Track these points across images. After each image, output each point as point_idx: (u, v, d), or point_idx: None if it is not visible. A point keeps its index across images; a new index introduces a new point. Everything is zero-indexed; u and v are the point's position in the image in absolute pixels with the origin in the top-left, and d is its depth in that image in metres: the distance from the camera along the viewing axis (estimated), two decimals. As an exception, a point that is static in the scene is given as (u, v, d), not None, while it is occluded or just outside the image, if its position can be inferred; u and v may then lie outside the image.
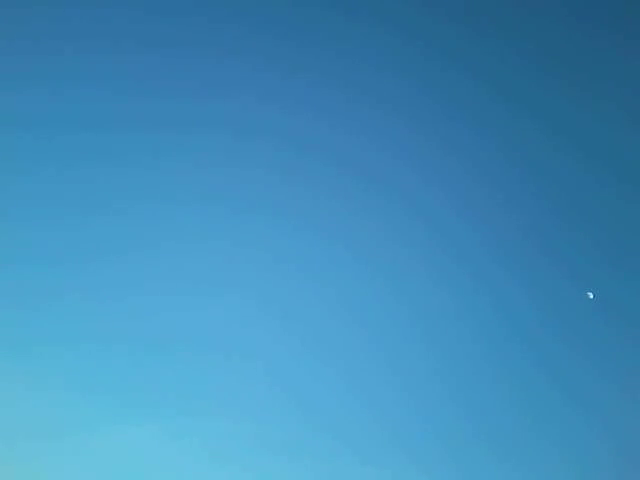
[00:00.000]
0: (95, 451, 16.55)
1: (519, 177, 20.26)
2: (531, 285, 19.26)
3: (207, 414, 17.16)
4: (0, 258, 18.26)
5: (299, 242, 19.47)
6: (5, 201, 18.91)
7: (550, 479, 16.99)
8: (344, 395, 17.90)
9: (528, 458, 17.20)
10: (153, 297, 18.52)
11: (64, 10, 20.33)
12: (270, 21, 20.93)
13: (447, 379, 18.21)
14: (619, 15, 20.47)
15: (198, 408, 17.22)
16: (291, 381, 17.89)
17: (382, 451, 17.12)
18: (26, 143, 19.49)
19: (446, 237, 19.69)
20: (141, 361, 17.79)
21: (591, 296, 18.46)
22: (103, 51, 20.30)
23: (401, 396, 17.98)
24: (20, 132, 19.48)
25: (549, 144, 20.24)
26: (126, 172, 19.59)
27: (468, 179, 20.28)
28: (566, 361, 18.36)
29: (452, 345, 18.59)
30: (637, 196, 19.53)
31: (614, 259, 19.12)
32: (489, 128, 20.55)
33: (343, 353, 18.35)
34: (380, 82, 20.68)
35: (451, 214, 19.95)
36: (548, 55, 20.56)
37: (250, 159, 20.02)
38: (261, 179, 19.87)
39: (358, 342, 18.50)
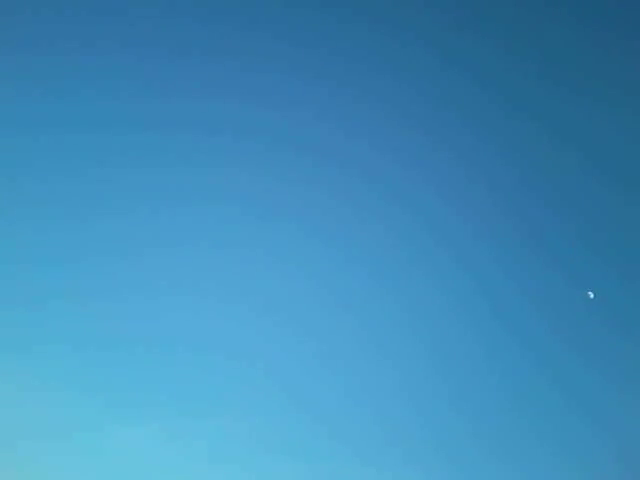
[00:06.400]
0: (96, 451, 16.59)
1: (519, 178, 20.30)
2: (531, 285, 19.31)
3: (207, 414, 17.19)
4: (0, 258, 18.30)
5: (299, 243, 19.51)
6: (5, 201, 18.95)
7: (550, 479, 17.05)
8: (344, 396, 17.93)
9: (527, 458, 17.23)
10: (154, 298, 18.55)
11: (65, 10, 20.40)
12: (270, 21, 20.96)
13: (447, 380, 18.25)
14: (619, 16, 20.51)
15: (198, 408, 17.25)
16: (291, 382, 17.93)
17: (382, 451, 17.16)
18: (27, 143, 19.51)
19: (446, 237, 19.74)
20: (142, 362, 17.86)
21: (591, 296, 18.48)
22: (102, 51, 20.38)
23: (401, 397, 18.02)
24: (21, 132, 19.53)
25: (549, 145, 20.29)
26: (126, 172, 19.65)
27: (468, 180, 20.33)
28: (566, 361, 18.41)
29: (452, 346, 18.62)
30: (637, 196, 19.56)
31: (614, 259, 19.15)
32: (489, 129, 20.62)
33: (343, 355, 18.40)
34: (380, 83, 20.73)
35: (451, 215, 20.00)
36: (549, 56, 20.62)
37: (251, 160, 20.09)
38: (262, 180, 19.91)
39: (358, 343, 18.55)
